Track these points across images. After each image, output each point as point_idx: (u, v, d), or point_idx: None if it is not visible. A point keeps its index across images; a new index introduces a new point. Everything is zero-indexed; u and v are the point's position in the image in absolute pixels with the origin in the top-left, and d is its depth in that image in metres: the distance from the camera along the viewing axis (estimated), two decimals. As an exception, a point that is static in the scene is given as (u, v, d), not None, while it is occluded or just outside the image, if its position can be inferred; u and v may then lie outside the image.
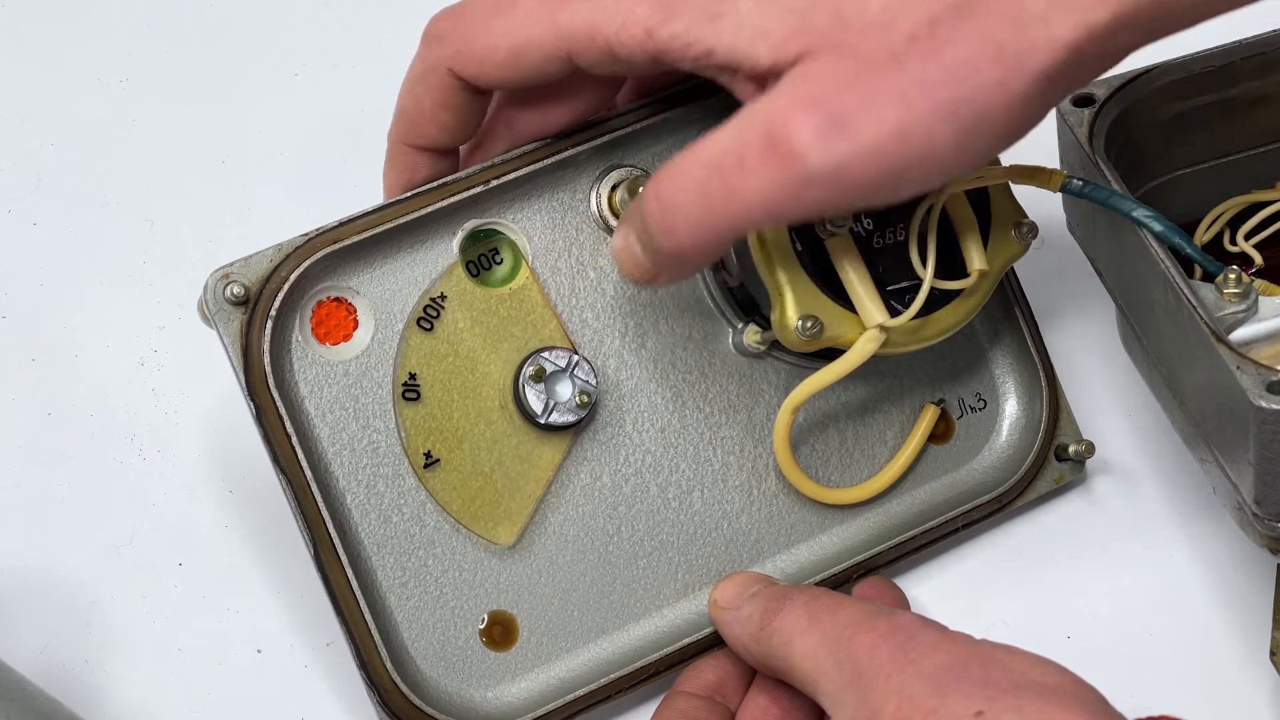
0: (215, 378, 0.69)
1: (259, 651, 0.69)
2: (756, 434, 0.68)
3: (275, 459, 0.61)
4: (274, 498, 0.63)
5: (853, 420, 0.69)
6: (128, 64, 0.88)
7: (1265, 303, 0.64)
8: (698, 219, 0.57)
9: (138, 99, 0.87)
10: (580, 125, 0.65)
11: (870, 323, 0.63)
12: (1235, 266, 0.64)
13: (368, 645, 0.62)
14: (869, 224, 0.65)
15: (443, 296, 0.64)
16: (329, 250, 0.62)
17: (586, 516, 0.66)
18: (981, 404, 0.71)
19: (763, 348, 0.67)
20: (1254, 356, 0.60)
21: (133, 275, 0.80)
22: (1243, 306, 0.63)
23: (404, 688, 0.62)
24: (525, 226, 0.65)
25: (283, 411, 0.61)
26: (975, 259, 0.65)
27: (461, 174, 0.64)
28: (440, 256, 0.65)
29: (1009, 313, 0.71)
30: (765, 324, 0.66)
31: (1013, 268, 0.69)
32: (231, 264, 0.62)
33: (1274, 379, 0.58)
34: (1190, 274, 0.66)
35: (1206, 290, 0.64)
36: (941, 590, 0.70)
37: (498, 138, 0.65)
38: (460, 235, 0.65)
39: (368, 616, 0.62)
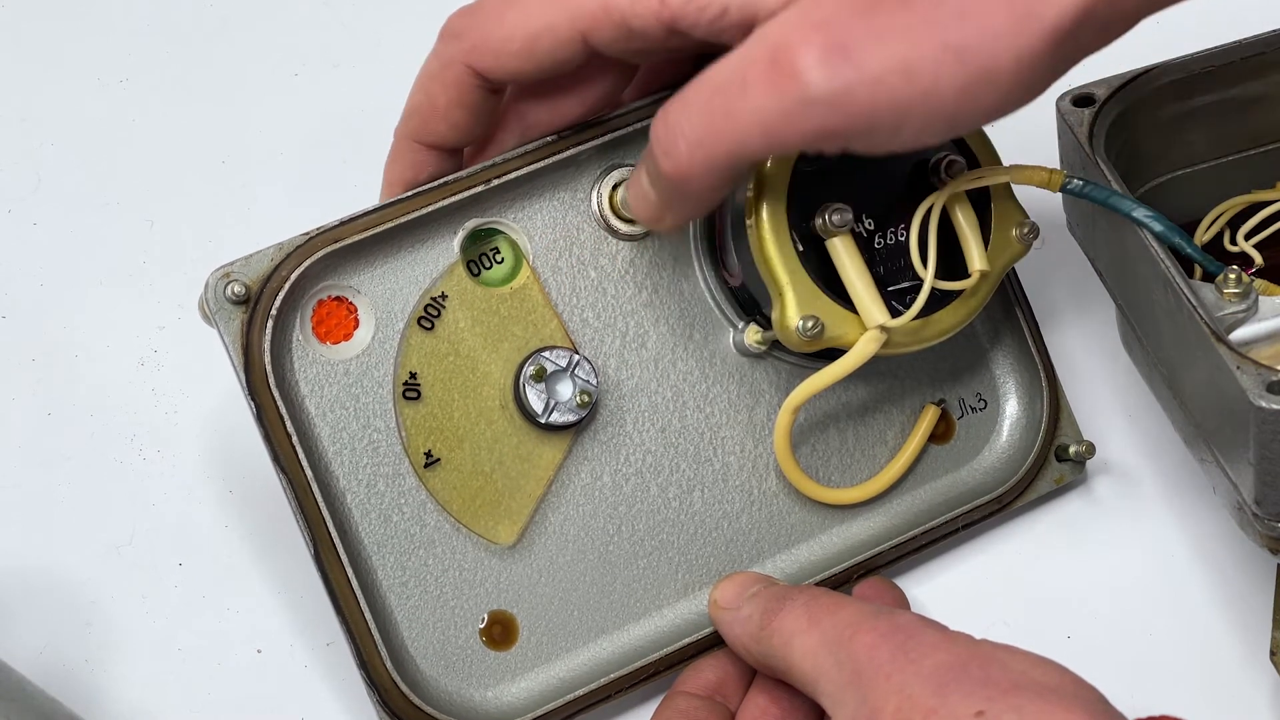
0: (215, 378, 0.69)
1: (259, 651, 0.69)
2: (757, 434, 0.68)
3: (275, 458, 0.61)
4: (274, 498, 0.63)
5: (853, 420, 0.69)
6: (128, 64, 0.88)
7: (1265, 303, 0.64)
8: (698, 140, 0.57)
9: (138, 99, 0.87)
10: (582, 125, 0.65)
11: (871, 323, 0.63)
12: (1235, 266, 0.64)
13: (368, 644, 0.62)
14: (870, 224, 0.65)
15: (443, 296, 0.64)
16: (330, 249, 0.62)
17: (587, 516, 0.66)
18: (982, 404, 0.71)
19: (763, 348, 0.67)
20: (1254, 356, 0.60)
21: (133, 275, 0.80)
22: (1243, 306, 0.63)
23: (404, 687, 0.62)
24: (526, 226, 0.65)
25: (283, 411, 0.61)
26: (976, 259, 0.65)
27: (462, 173, 0.64)
28: (441, 256, 0.65)
29: (1010, 313, 0.71)
30: (766, 324, 0.66)
31: (1014, 268, 0.69)
32: (232, 263, 0.62)
33: (1274, 379, 0.58)
34: (1190, 274, 0.66)
35: (1206, 290, 0.64)
36: (941, 590, 0.70)
37: (508, 131, 0.65)
38: (461, 234, 0.65)
39: (368, 616, 0.62)
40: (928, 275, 0.64)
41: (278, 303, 0.62)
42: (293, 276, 0.62)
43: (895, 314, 0.64)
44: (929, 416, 0.69)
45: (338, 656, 0.67)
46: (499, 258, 0.65)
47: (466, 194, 0.64)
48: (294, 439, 0.62)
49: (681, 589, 0.67)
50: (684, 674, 0.65)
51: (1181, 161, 0.71)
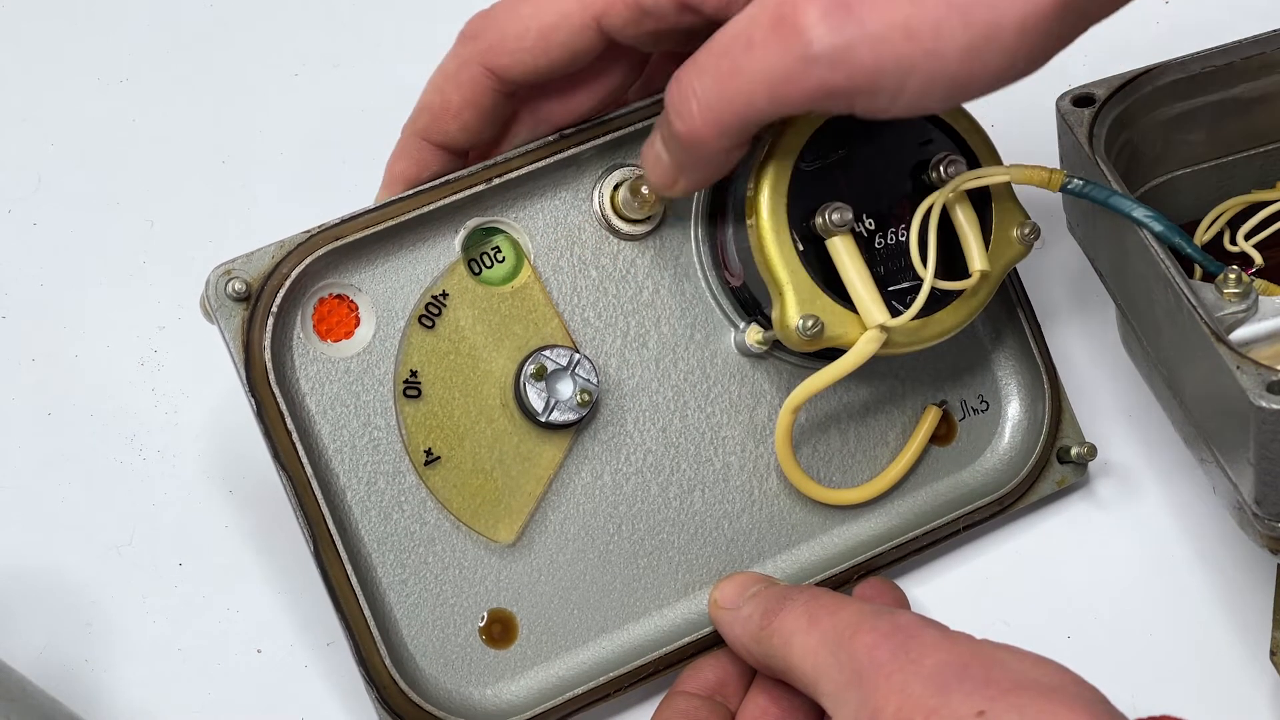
0: (216, 378, 0.69)
1: (259, 651, 0.69)
2: (758, 434, 0.68)
3: (276, 455, 0.61)
4: (274, 498, 0.63)
5: (854, 421, 0.69)
6: (128, 64, 0.88)
7: (1265, 303, 0.64)
8: (708, 102, 0.58)
9: (138, 99, 0.87)
10: (584, 124, 0.65)
11: (871, 323, 0.63)
12: (1235, 266, 0.64)
13: (367, 642, 0.62)
14: (871, 224, 0.65)
15: (444, 294, 0.65)
16: (331, 247, 0.62)
17: (587, 515, 0.66)
18: (984, 405, 0.71)
19: (764, 347, 0.67)
20: (1254, 356, 0.60)
21: (133, 275, 0.80)
22: (1243, 306, 0.63)
23: (403, 685, 0.62)
24: (528, 225, 0.65)
25: (284, 408, 0.61)
26: (976, 259, 0.65)
27: (464, 172, 0.64)
28: (442, 254, 0.65)
29: (1011, 314, 0.71)
30: (767, 324, 0.66)
31: (1015, 269, 0.69)
32: (233, 260, 0.62)
33: (1274, 379, 0.58)
34: (1190, 274, 0.66)
35: (1206, 290, 0.64)
36: (942, 591, 0.70)
37: (521, 124, 0.65)
38: (462, 233, 0.65)
39: (367, 613, 0.62)
40: (927, 275, 0.64)
41: (279, 300, 0.62)
42: (294, 274, 0.62)
43: (895, 314, 0.64)
44: (930, 418, 0.69)
45: (338, 656, 0.67)
46: (500, 257, 0.65)
47: (468, 193, 0.64)
48: (294, 436, 0.62)
49: (681, 588, 0.67)
50: (684, 674, 0.65)
51: (1181, 161, 0.71)
